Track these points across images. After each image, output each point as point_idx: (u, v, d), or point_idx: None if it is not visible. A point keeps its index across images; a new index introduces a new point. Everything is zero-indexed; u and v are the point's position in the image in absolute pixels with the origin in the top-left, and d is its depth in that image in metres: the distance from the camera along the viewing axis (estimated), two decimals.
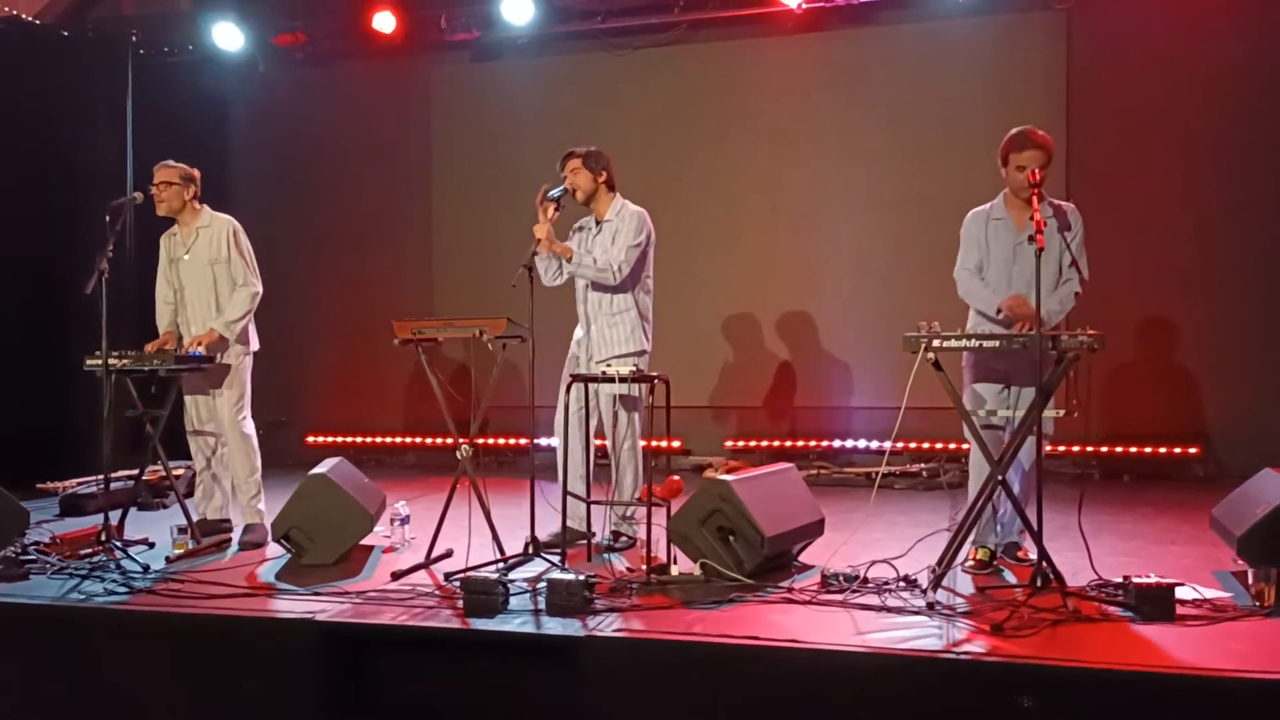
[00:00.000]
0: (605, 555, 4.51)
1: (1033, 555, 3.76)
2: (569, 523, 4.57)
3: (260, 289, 5.02)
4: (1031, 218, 3.69)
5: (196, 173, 5.04)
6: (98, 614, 3.78)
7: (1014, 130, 4.13)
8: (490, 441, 7.51)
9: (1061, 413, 3.84)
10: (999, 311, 4.03)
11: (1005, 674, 2.98)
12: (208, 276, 4.96)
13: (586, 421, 4.69)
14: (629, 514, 4.75)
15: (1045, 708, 2.93)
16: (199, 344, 4.80)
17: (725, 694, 3.18)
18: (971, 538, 4.11)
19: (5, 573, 4.22)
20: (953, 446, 6.81)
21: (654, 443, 4.29)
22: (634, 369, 4.25)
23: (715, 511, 4.01)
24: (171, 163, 5.02)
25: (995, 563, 4.17)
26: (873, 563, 3.94)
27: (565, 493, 4.53)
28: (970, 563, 4.12)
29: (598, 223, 4.75)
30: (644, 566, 4.00)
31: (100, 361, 4.63)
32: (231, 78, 8.20)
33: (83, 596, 3.92)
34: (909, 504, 5.91)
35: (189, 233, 5.01)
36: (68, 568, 4.29)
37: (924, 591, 3.66)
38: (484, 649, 3.48)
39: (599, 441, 4.75)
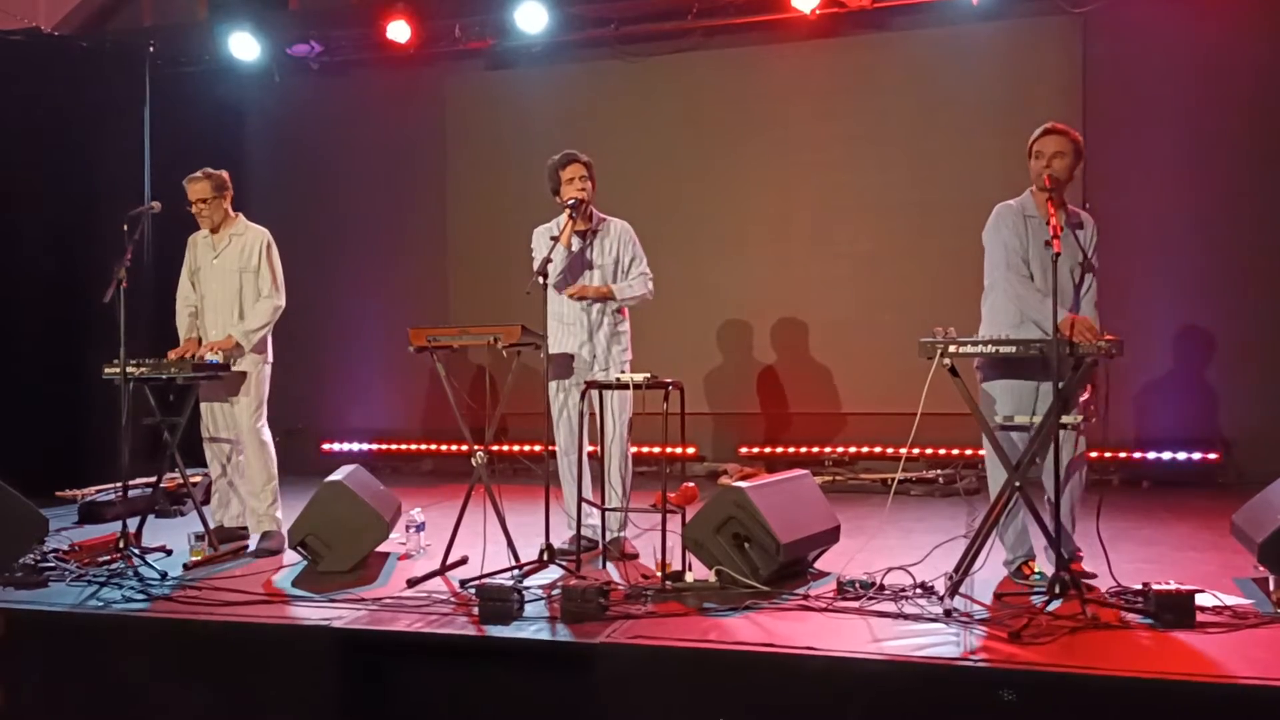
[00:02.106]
0: (611, 561, 4.50)
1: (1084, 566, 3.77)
2: (582, 530, 4.58)
3: (283, 304, 5.02)
4: (1048, 221, 3.67)
5: (226, 175, 5.03)
6: (116, 621, 3.80)
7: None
8: (505, 448, 7.52)
9: (1080, 418, 3.81)
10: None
11: (1023, 682, 2.96)
12: (234, 284, 4.97)
13: (601, 428, 4.69)
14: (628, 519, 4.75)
15: (1064, 716, 2.91)
16: (215, 349, 4.82)
17: (741, 701, 3.16)
18: (1023, 553, 4.07)
19: (25, 580, 4.25)
20: (969, 452, 6.78)
21: (669, 449, 4.29)
22: (649, 376, 4.24)
23: (730, 518, 4.00)
24: (200, 175, 4.95)
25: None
26: (889, 569, 3.92)
27: (580, 499, 4.53)
28: (1036, 575, 4.01)
29: (581, 235, 4.70)
30: (659, 573, 3.99)
31: (118, 370, 4.66)
32: (248, 88, 8.26)
33: (101, 603, 3.94)
34: (925, 510, 5.88)
35: (221, 238, 5.01)
36: (86, 575, 4.31)
37: (941, 598, 3.64)
38: (499, 656, 3.48)
39: (590, 448, 4.74)
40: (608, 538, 4.68)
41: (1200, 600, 3.44)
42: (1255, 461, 6.50)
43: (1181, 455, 6.65)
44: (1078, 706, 2.92)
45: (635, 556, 4.61)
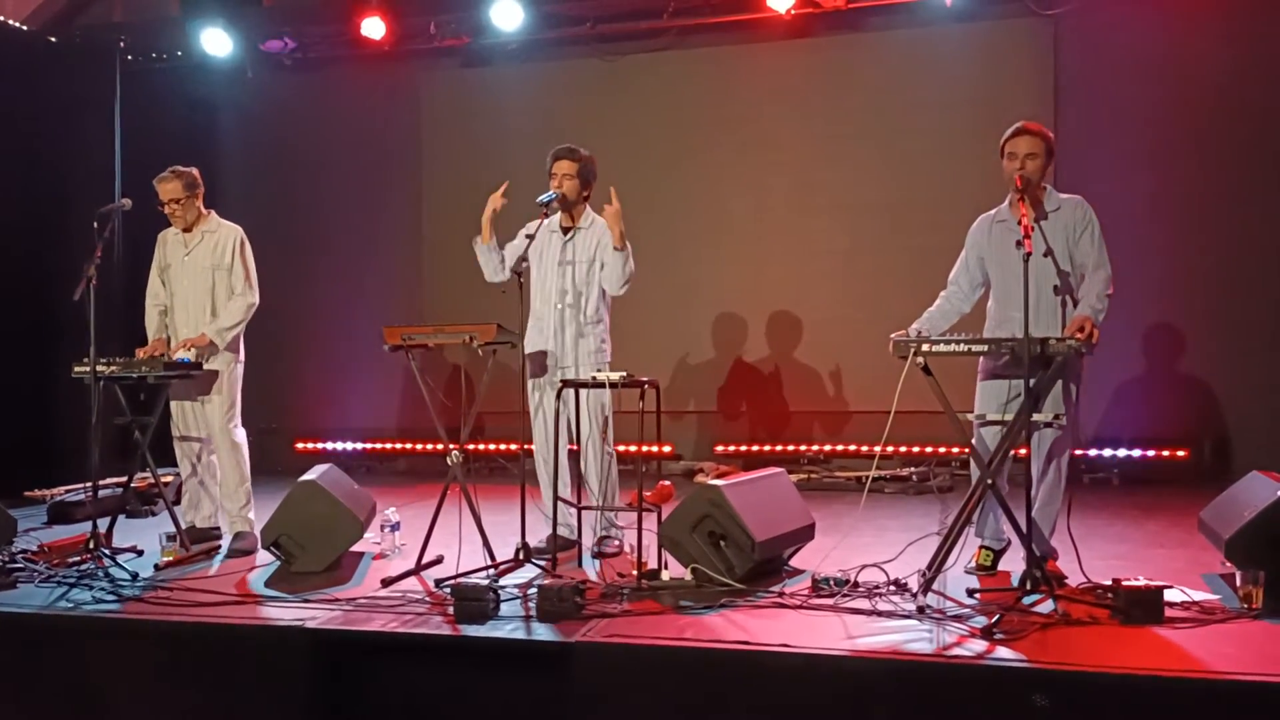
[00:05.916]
0: (594, 560, 4.50)
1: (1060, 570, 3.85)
2: (558, 529, 4.57)
3: (257, 301, 4.98)
4: (1020, 221, 3.71)
5: (196, 172, 4.98)
6: (86, 622, 3.75)
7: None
8: (481, 447, 7.50)
9: (1050, 416, 3.85)
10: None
11: (995, 677, 2.99)
12: (206, 281, 4.93)
13: (577, 427, 4.68)
14: (616, 517, 4.74)
15: (1035, 711, 2.93)
16: (187, 346, 4.77)
17: (716, 699, 3.17)
18: (973, 538, 4.12)
19: None
20: (942, 450, 6.84)
21: (644, 448, 4.29)
22: (624, 375, 4.24)
23: (706, 516, 4.01)
24: (169, 174, 4.89)
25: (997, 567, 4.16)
26: (863, 567, 3.94)
27: (555, 498, 4.52)
28: (972, 564, 4.12)
29: (565, 229, 4.69)
30: (635, 572, 4.00)
31: (88, 369, 4.61)
32: (220, 84, 8.18)
33: (71, 605, 3.89)
34: (899, 508, 5.92)
35: (193, 235, 4.96)
36: (56, 576, 4.25)
37: (914, 595, 3.66)
38: (475, 655, 3.47)
39: (572, 446, 4.72)
40: (591, 537, 4.67)
41: (1169, 596, 3.48)
42: (1222, 459, 6.60)
43: (1150, 453, 6.73)
44: (1049, 701, 2.94)
45: (617, 554, 4.61)
